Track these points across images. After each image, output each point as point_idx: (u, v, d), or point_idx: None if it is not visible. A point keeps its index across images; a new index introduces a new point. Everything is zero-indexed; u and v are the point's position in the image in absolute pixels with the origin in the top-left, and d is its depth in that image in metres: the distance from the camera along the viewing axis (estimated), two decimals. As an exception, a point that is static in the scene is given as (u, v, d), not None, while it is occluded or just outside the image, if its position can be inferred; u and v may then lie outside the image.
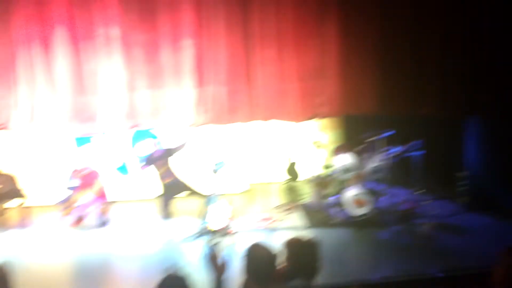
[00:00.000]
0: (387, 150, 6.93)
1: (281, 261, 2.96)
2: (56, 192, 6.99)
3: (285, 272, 2.96)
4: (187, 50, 6.42)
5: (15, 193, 7.36)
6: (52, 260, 6.03)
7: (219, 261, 2.94)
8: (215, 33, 6.44)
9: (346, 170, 6.73)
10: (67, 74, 6.32)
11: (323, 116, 6.97)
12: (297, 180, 8.78)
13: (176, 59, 6.44)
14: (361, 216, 6.59)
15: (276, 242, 2.92)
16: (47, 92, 6.33)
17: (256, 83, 6.58)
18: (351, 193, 6.65)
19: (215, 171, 6.43)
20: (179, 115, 6.57)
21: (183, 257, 5.89)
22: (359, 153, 6.97)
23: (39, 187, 7.79)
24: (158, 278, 2.76)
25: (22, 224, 7.24)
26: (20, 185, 7.41)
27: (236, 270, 2.90)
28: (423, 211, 6.95)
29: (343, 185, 7.08)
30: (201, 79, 6.51)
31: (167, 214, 7.25)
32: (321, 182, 7.24)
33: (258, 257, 2.83)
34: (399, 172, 7.03)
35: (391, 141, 6.95)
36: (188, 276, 2.80)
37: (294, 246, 3.01)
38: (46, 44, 6.26)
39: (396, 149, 6.95)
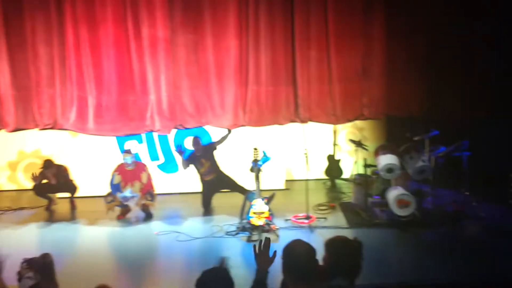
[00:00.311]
0: (433, 150, 6.76)
1: (322, 258, 2.95)
2: (104, 184, 7.20)
3: (326, 270, 2.95)
4: (231, 51, 6.49)
5: (67, 184, 7.68)
6: (97, 251, 6.23)
7: (261, 256, 2.96)
8: (258, 34, 6.49)
9: (390, 169, 6.60)
10: (114, 74, 6.52)
11: (365, 118, 6.89)
12: (340, 178, 8.74)
13: (219, 60, 6.53)
14: (405, 217, 6.46)
15: (317, 240, 2.91)
16: (94, 91, 6.55)
17: (299, 85, 6.59)
18: (395, 193, 6.53)
19: (259, 166, 6.46)
20: (221, 115, 6.65)
21: (225, 251, 5.96)
22: (403, 153, 6.83)
23: (90, 178, 8.07)
24: (200, 271, 2.80)
25: (72, 214, 7.57)
26: (71, 176, 7.73)
27: (277, 266, 2.91)
28: (471, 213, 6.75)
29: (386, 185, 6.98)
30: (243, 80, 6.58)
31: (209, 208, 7.40)
32: (364, 181, 7.14)
33: (298, 254, 2.83)
34: (446, 173, 6.84)
35: (437, 141, 6.78)
36: (230, 270, 2.83)
37: (337, 244, 2.99)
38: (95, 44, 6.47)
39: (442, 149, 6.78)
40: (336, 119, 6.82)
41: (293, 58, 6.60)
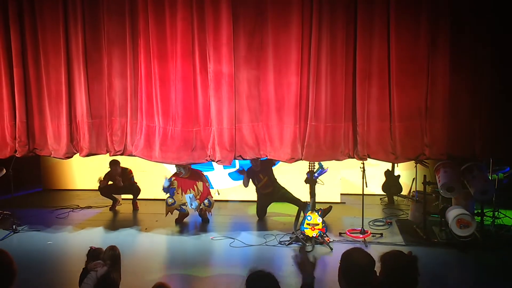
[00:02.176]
0: (497, 169, 6.52)
1: (378, 271, 2.96)
2: (164, 188, 7.50)
3: (381, 283, 2.94)
4: (292, 87, 6.54)
5: (131, 186, 8.11)
6: (155, 251, 6.62)
7: (311, 267, 3.00)
8: (319, 71, 6.47)
9: (450, 188, 6.42)
10: (180, 105, 6.77)
11: (426, 158, 6.70)
12: (398, 194, 8.57)
13: (280, 95, 6.60)
14: (465, 237, 6.26)
15: (372, 255, 2.92)
16: (161, 122, 6.84)
17: (358, 122, 6.52)
18: (455, 212, 6.35)
19: (314, 178, 6.50)
20: (279, 149, 6.73)
21: (277, 260, 6.03)
22: (465, 171, 6.63)
23: (151, 182, 8.47)
24: (249, 275, 2.91)
25: (134, 214, 7.95)
26: (134, 179, 8.14)
27: (329, 276, 2.94)
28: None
29: (446, 204, 6.79)
30: (303, 116, 6.61)
31: (264, 218, 7.51)
32: (422, 199, 6.99)
33: (357, 260, 2.86)
34: (510, 194, 6.57)
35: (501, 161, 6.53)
36: (277, 278, 2.91)
37: (392, 258, 2.96)
38: (164, 77, 6.77)
39: (507, 169, 6.52)
40: (395, 158, 6.65)
41: (354, 94, 6.52)
